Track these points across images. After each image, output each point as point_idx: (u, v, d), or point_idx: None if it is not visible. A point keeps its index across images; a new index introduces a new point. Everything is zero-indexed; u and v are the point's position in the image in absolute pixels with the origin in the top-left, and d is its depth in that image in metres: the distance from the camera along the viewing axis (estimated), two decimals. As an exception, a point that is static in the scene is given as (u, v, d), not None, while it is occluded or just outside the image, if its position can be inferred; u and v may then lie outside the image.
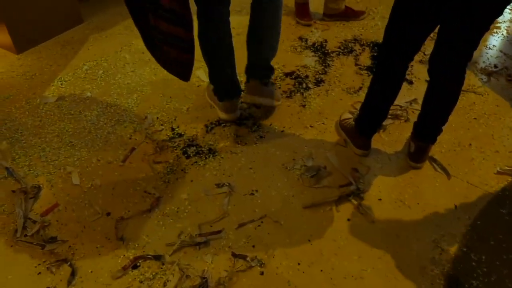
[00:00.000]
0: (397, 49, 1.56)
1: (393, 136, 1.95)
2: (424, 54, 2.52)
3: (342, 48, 2.56)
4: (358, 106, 2.06)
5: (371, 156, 1.84)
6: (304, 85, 2.24)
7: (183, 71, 1.66)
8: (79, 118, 2.02)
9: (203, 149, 1.87)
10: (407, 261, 1.45)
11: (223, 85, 1.94)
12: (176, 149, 1.86)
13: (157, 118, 2.02)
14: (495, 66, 2.45)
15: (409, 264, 1.44)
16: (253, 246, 1.49)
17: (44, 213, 1.60)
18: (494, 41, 2.68)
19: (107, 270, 1.42)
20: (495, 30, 2.78)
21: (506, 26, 2.83)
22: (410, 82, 2.29)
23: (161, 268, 1.42)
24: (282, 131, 1.97)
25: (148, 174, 1.76)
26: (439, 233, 1.55)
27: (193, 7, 1.57)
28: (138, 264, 1.44)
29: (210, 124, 1.99)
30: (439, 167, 1.80)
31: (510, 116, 2.09)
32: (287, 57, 2.46)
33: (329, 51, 2.53)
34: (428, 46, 2.55)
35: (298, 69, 2.36)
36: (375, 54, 2.50)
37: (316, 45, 2.57)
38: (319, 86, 2.25)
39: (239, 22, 2.28)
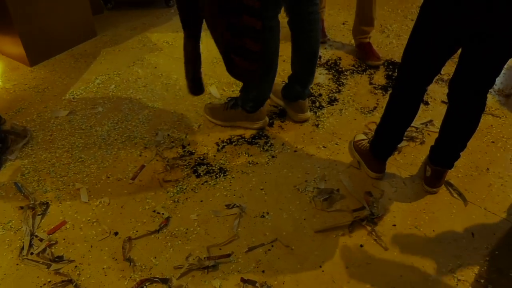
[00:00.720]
0: (416, 71, 1.52)
1: (408, 159, 1.91)
2: (441, 74, 2.48)
3: (356, 66, 2.53)
4: (372, 126, 2.03)
5: (385, 179, 1.80)
6: (317, 104, 2.21)
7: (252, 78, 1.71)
8: (90, 133, 2.01)
9: (213, 168, 1.84)
10: (422, 292, 1.40)
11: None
12: (186, 168, 1.84)
13: (168, 135, 2.00)
14: (513, 88, 2.40)
15: (424, 295, 1.39)
16: (263, 271, 1.45)
17: (51, 231, 1.57)
18: (512, 61, 2.63)
19: (113, 292, 1.39)
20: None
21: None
22: (426, 103, 2.24)
23: (168, 292, 1.39)
24: (295, 151, 1.94)
25: (157, 192, 1.73)
26: (455, 262, 1.49)
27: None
28: (145, 287, 1.41)
29: (222, 143, 1.97)
30: (455, 193, 1.75)
31: (529, 140, 2.04)
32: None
33: (343, 69, 2.50)
34: (445, 67, 2.51)
35: (311, 88, 2.33)
36: (389, 73, 2.47)
37: (329, 62, 2.54)
38: (332, 105, 2.21)
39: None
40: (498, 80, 2.43)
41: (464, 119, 1.59)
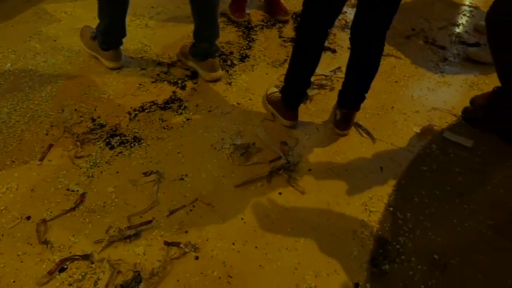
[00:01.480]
0: (317, 14, 1.55)
1: (320, 106, 1.97)
2: (346, 22, 2.55)
3: (265, 21, 2.53)
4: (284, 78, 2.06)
5: (299, 128, 1.85)
6: (229, 62, 2.20)
7: None
8: (-12, 118, 1.86)
9: (127, 138, 1.79)
10: (338, 227, 1.49)
11: (116, 35, 2.05)
12: (98, 141, 1.77)
13: (76, 109, 1.90)
14: (413, 29, 2.53)
15: (340, 230, 1.48)
16: (186, 232, 1.46)
17: (-46, 225, 1.47)
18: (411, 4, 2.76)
19: (31, 277, 1.33)
20: (410, -7, 2.86)
21: (421, -11, 2.92)
22: (334, 51, 2.31)
23: (91, 267, 1.36)
24: (210, 111, 1.93)
25: (69, 170, 1.66)
26: (367, 196, 1.60)
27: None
28: (65, 266, 1.36)
29: (134, 111, 1.91)
30: (364, 132, 1.85)
31: (428, 77, 2.18)
32: (210, 34, 2.40)
33: (253, 25, 2.49)
34: (350, 14, 2.59)
35: (222, 46, 2.30)
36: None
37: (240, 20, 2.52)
38: (244, 62, 2.21)
39: None
40: (399, 23, 2.55)
41: (365, 61, 1.66)
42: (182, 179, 1.64)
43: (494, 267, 1.38)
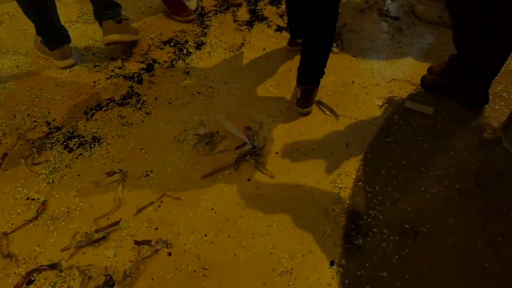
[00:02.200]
0: None
1: (281, 88, 1.95)
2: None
3: (219, 6, 2.48)
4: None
5: (262, 112, 1.83)
6: (185, 51, 2.14)
7: None
8: None
9: (86, 138, 1.72)
10: (309, 207, 1.48)
11: (52, 33, 1.98)
12: (56, 145, 1.70)
13: (28, 115, 1.82)
14: (366, 2, 2.53)
15: (312, 210, 1.48)
16: (156, 229, 1.43)
17: None
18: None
19: (-3, 294, 1.28)
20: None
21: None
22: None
23: (60, 276, 1.31)
24: (170, 103, 1.88)
25: (28, 179, 1.58)
26: (335, 173, 1.60)
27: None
28: (33, 278, 1.31)
29: (90, 110, 1.84)
30: (327, 110, 1.84)
31: (385, 48, 2.19)
32: (163, 24, 2.33)
33: (206, 11, 2.43)
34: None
35: (176, 35, 2.24)
36: (252, 7, 2.46)
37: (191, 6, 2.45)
38: (200, 49, 2.16)
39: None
40: (352, -3, 2.55)
41: (318, 36, 1.64)
42: (148, 175, 1.59)
43: (463, 230, 1.41)
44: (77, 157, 1.65)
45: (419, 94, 1.93)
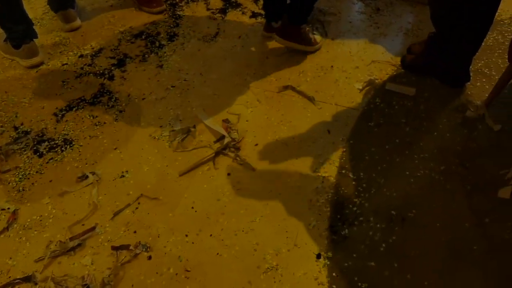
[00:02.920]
0: None
1: (258, 77, 1.89)
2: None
3: (191, -6, 2.39)
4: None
5: (239, 103, 1.77)
6: (157, 44, 2.06)
7: None
8: None
9: (57, 142, 1.64)
10: (293, 199, 1.44)
11: (19, 22, 1.86)
12: (25, 150, 1.62)
13: (-6, 120, 1.73)
14: (342, -17, 2.47)
15: (295, 201, 1.43)
16: (135, 232, 1.37)
17: None
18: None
19: (-32, 312, 1.21)
20: None
21: None
22: None
23: (35, 289, 1.25)
24: (143, 99, 1.80)
25: (-4, 187, 1.51)
26: (318, 162, 1.55)
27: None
28: (6, 293, 1.25)
29: (60, 112, 1.75)
30: (306, 98, 1.79)
31: (363, 30, 2.14)
32: (132, 16, 2.24)
33: (177, 0, 2.34)
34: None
35: (147, 28, 2.16)
36: (225, -6, 2.37)
37: (162, -3, 2.36)
38: (173, 41, 2.08)
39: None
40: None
41: None
42: (123, 176, 1.52)
43: (449, 213, 1.38)
44: (48, 162, 1.58)
45: (400, 75, 1.88)
